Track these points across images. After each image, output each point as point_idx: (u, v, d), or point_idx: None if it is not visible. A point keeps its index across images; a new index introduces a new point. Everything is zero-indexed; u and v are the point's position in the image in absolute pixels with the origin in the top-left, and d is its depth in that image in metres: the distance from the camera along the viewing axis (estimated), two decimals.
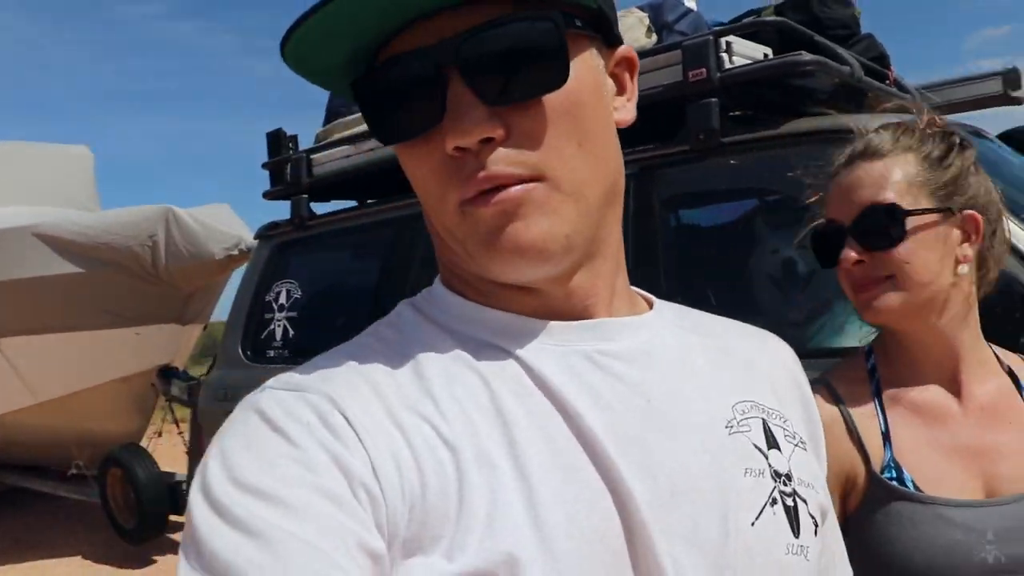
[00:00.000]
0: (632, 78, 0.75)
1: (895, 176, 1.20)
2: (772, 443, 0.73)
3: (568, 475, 0.63)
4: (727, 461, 0.69)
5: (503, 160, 0.63)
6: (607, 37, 0.71)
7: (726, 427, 0.71)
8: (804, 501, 0.72)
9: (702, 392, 0.73)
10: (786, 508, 0.70)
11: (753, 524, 0.67)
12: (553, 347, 0.69)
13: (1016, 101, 2.44)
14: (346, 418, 0.62)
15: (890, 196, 1.19)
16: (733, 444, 0.71)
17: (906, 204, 1.19)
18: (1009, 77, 2.43)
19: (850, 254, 1.19)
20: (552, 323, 0.70)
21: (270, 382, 0.67)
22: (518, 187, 0.63)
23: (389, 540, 0.59)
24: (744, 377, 0.78)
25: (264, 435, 0.61)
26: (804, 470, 0.74)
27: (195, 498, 0.60)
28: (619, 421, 0.66)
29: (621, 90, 0.74)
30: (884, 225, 1.19)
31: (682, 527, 0.64)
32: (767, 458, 0.72)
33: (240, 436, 0.63)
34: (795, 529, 0.70)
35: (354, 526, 0.57)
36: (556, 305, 0.71)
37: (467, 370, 0.68)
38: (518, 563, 0.58)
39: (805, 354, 0.97)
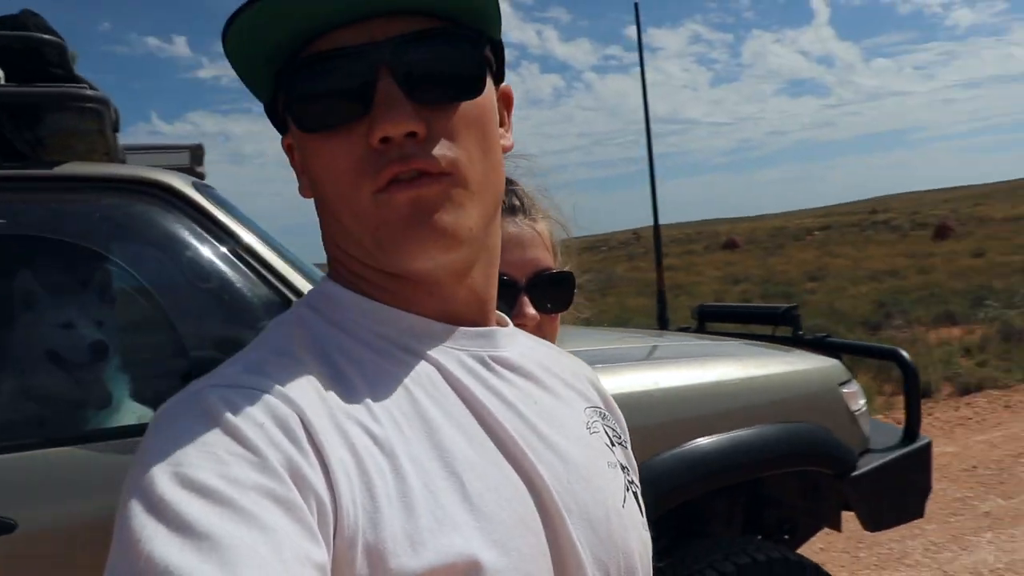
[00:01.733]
0: (510, 113, 0.85)
1: (549, 239, 1.31)
2: (612, 442, 0.86)
3: (490, 470, 0.69)
4: (595, 455, 0.81)
5: (423, 152, 0.68)
6: (498, 70, 0.79)
7: (587, 428, 0.83)
8: (638, 488, 0.87)
9: (564, 399, 0.84)
10: (633, 494, 0.84)
11: (622, 507, 0.80)
12: (455, 350, 0.76)
13: (200, 175, 2.58)
14: (301, 420, 0.63)
15: (551, 260, 1.30)
16: (594, 442, 0.82)
17: (556, 266, 1.30)
18: (195, 152, 2.58)
19: (532, 313, 1.25)
20: (452, 327, 0.77)
21: (208, 380, 0.67)
22: (432, 181, 0.69)
23: (346, 546, 0.59)
24: (580, 387, 0.89)
25: (213, 434, 0.60)
26: (630, 464, 0.89)
27: (129, 500, 0.57)
28: (521, 419, 0.75)
29: (501, 122, 0.81)
30: (563, 291, 1.30)
31: (580, 509, 0.73)
32: (614, 454, 0.85)
33: (185, 434, 0.60)
34: (641, 511, 0.84)
35: (304, 536, 0.56)
36: (453, 308, 0.77)
37: (385, 375, 0.71)
38: (473, 556, 0.62)
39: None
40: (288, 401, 0.63)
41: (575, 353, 0.98)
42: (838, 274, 21.90)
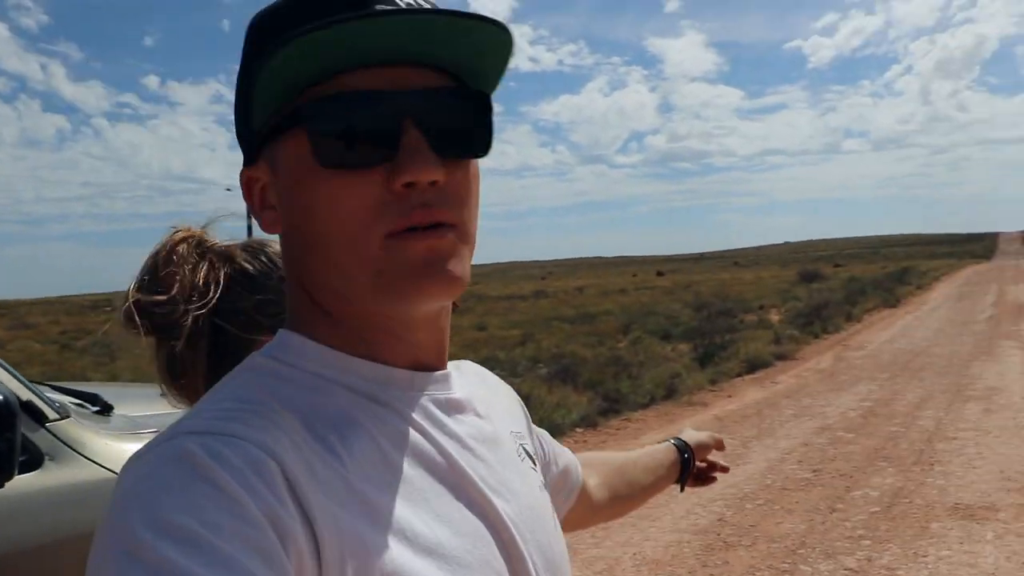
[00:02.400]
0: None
1: None
2: (534, 462, 0.94)
3: (456, 517, 0.74)
4: (530, 481, 0.88)
5: (440, 203, 0.72)
6: None
7: (518, 455, 0.90)
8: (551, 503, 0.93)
9: (501, 432, 0.88)
10: (555, 511, 0.93)
11: (556, 527, 0.89)
12: (416, 396, 0.78)
13: None
14: (281, 470, 0.63)
15: None
16: (525, 467, 0.89)
17: None
18: None
19: None
20: (413, 374, 0.79)
21: (179, 428, 0.66)
22: (445, 231, 0.72)
23: None
24: (502, 407, 0.97)
25: (191, 480, 0.60)
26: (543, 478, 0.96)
27: (105, 544, 0.58)
28: (480, 461, 0.80)
29: None
30: None
31: (535, 544, 0.80)
32: (538, 473, 0.93)
33: (162, 479, 0.60)
34: (560, 527, 0.93)
35: None
36: (417, 353, 0.79)
37: (352, 425, 0.73)
38: None
39: None
40: (267, 450, 0.64)
41: None
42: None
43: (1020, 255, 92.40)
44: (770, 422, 9.97)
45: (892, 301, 28.11)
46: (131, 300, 1.25)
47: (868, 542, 5.88)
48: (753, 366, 14.37)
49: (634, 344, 18.57)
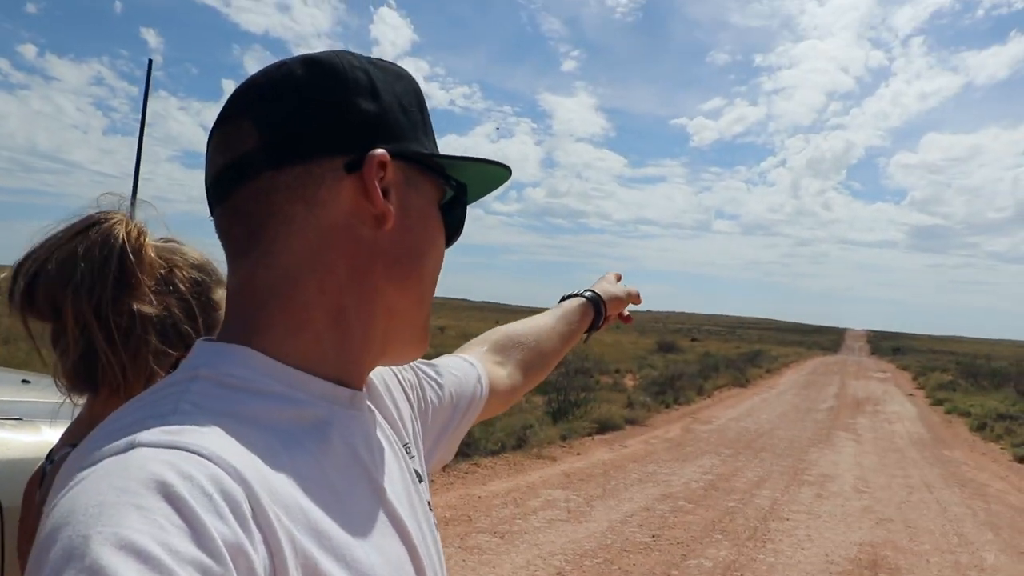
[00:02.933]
0: None
1: None
2: (420, 478, 0.94)
3: (387, 545, 0.76)
4: (425, 506, 0.90)
5: None
6: None
7: (412, 478, 0.91)
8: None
9: (397, 451, 0.91)
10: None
11: (438, 541, 0.91)
12: (354, 414, 0.82)
13: None
14: (246, 492, 0.62)
15: None
16: (417, 487, 0.91)
17: None
18: None
19: None
20: (353, 392, 0.82)
21: (136, 437, 0.63)
22: None
23: None
24: (396, 406, 0.99)
25: (154, 499, 0.58)
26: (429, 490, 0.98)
27: (57, 558, 0.54)
28: (394, 482, 0.84)
29: None
30: None
31: (429, 560, 0.83)
32: (424, 491, 0.94)
33: (123, 494, 0.57)
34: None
35: None
36: (362, 377, 0.85)
37: (299, 446, 0.73)
38: None
39: None
40: (234, 474, 0.63)
41: None
42: None
43: (863, 352, 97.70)
44: (615, 484, 10.08)
45: (743, 381, 29.10)
46: (90, 300, 1.16)
47: None
48: (604, 427, 14.56)
49: None
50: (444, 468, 9.86)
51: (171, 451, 0.62)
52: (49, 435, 1.96)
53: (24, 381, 3.04)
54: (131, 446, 0.62)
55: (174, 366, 1.22)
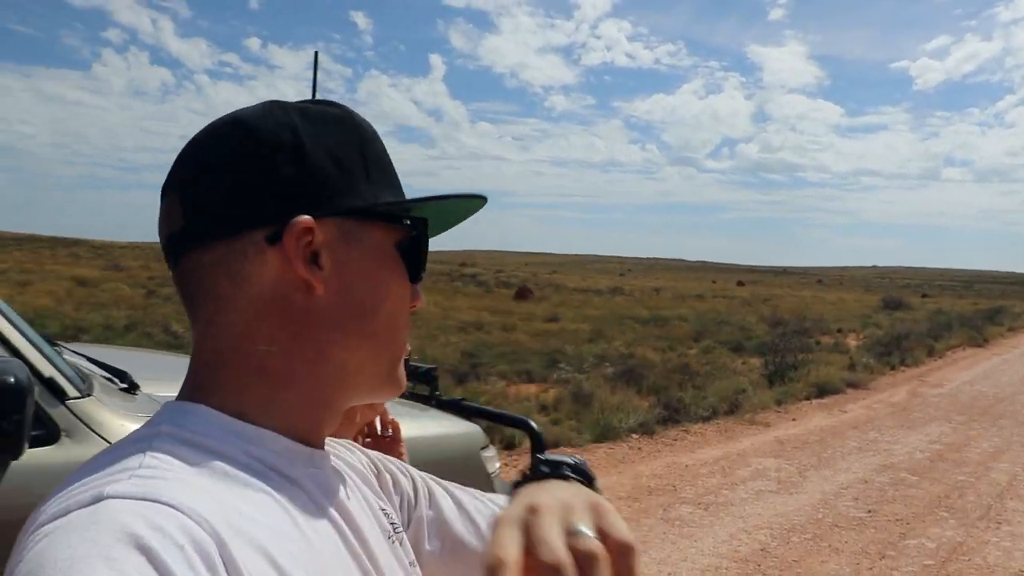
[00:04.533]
0: None
1: None
2: (398, 534, 0.92)
3: None
4: (404, 563, 0.89)
5: None
6: None
7: (387, 538, 0.89)
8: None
9: (374, 508, 0.91)
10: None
11: None
12: (316, 472, 0.81)
13: None
14: (219, 548, 0.62)
15: None
16: (397, 549, 0.90)
17: None
18: None
19: None
20: (314, 451, 0.81)
21: (104, 489, 0.63)
22: None
23: None
24: (363, 481, 0.95)
25: (125, 551, 0.57)
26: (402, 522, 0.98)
27: None
28: (365, 538, 0.82)
29: None
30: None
31: None
32: (408, 549, 0.94)
33: (93, 548, 0.57)
34: None
35: None
36: (323, 434, 0.84)
37: (267, 500, 0.72)
38: None
39: None
40: (205, 525, 0.63)
41: None
42: (428, 322, 22.03)
43: None
44: (832, 452, 9.65)
45: (979, 340, 27.13)
46: None
47: None
48: (823, 391, 14.01)
49: (704, 353, 18.34)
50: (652, 435, 9.79)
51: (141, 503, 0.62)
52: None
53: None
54: (99, 499, 0.62)
55: None
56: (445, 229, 0.95)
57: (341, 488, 0.85)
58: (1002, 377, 18.16)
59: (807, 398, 13.40)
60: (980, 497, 8.12)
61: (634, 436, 9.82)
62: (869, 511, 7.44)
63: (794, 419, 11.73)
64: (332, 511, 0.80)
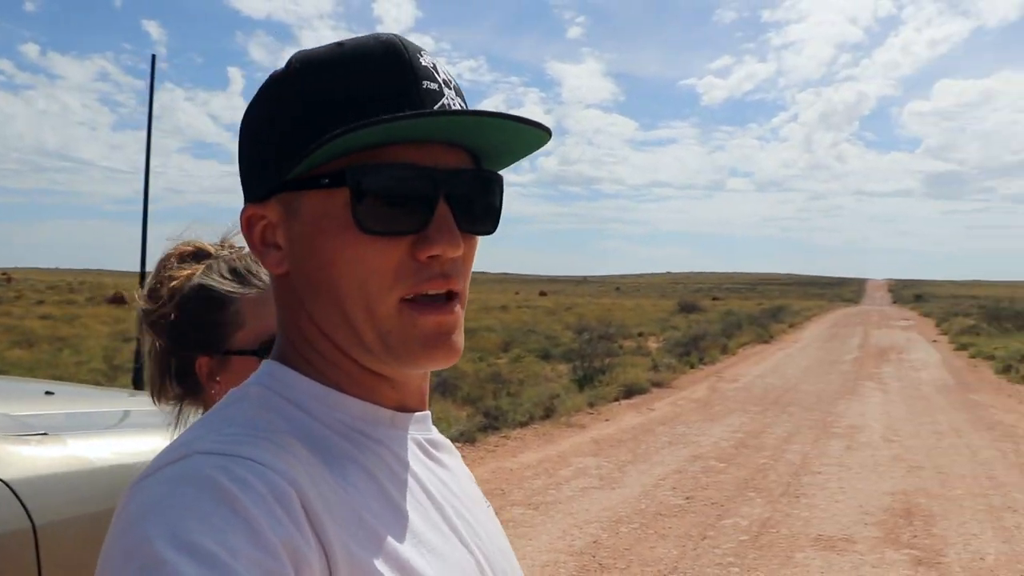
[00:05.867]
0: None
1: None
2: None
3: (449, 552, 0.77)
4: (496, 523, 0.92)
5: (456, 275, 0.77)
6: None
7: (484, 498, 0.93)
8: None
9: (467, 471, 0.94)
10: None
11: (508, 547, 0.90)
12: (402, 435, 0.82)
13: None
14: (300, 499, 0.65)
15: None
16: (490, 511, 0.92)
17: None
18: None
19: None
20: (397, 414, 0.82)
21: (192, 446, 0.67)
22: (453, 305, 0.77)
23: None
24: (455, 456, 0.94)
25: (211, 502, 0.60)
26: None
27: (120, 560, 0.58)
28: (456, 501, 0.83)
29: None
30: None
31: (499, 566, 0.84)
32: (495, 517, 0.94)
33: (180, 499, 0.61)
34: None
35: None
36: (404, 398, 0.82)
37: (351, 460, 0.75)
38: None
39: None
40: (287, 477, 0.65)
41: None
42: None
43: (884, 301, 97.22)
44: (646, 448, 10.17)
45: (766, 337, 29.14)
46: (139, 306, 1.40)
47: (737, 570, 6.06)
48: (631, 391, 14.65)
49: (514, 362, 18.67)
50: (474, 443, 9.97)
51: (224, 457, 0.65)
52: (76, 448, 1.97)
53: (47, 393, 3.04)
54: (186, 455, 0.65)
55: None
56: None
57: (430, 451, 0.85)
58: (787, 370, 19.66)
59: (616, 399, 13.95)
60: (780, 476, 8.84)
61: (456, 445, 9.90)
62: (687, 498, 7.94)
63: (607, 419, 12.24)
64: (422, 474, 0.81)
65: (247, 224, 0.81)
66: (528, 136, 0.78)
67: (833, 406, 13.87)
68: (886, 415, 13.07)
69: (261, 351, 1.32)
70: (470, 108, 0.80)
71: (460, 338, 0.78)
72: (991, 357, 21.73)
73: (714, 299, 76.04)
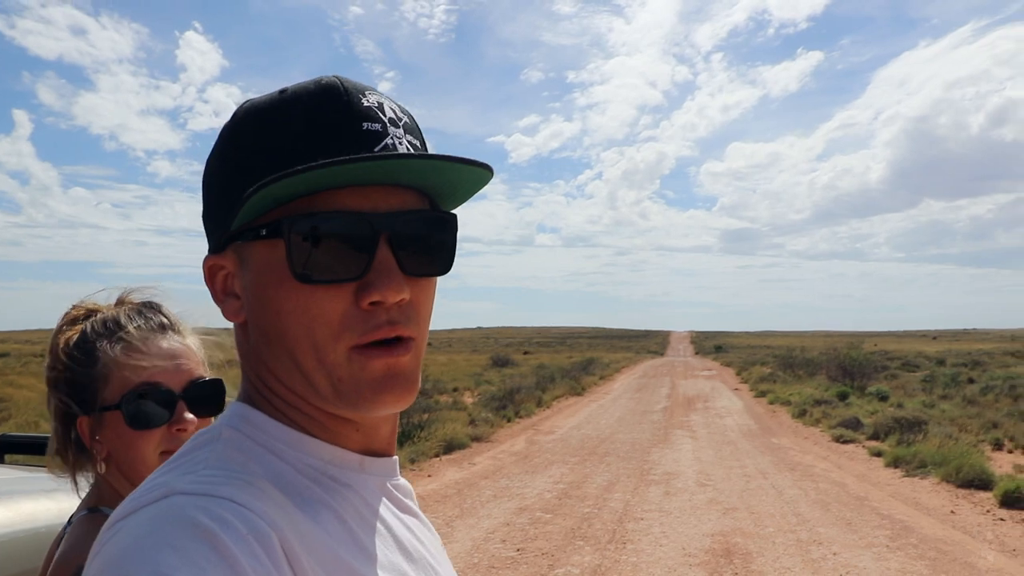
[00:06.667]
0: None
1: (198, 351, 1.45)
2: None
3: None
4: (449, 570, 0.91)
5: (403, 319, 0.76)
6: None
7: (433, 537, 0.93)
8: None
9: (423, 519, 0.92)
10: None
11: None
12: (371, 480, 0.82)
13: None
14: (280, 540, 0.65)
15: (201, 369, 1.43)
16: (448, 558, 0.93)
17: (207, 375, 1.44)
18: None
19: (191, 418, 1.36)
20: (366, 458, 0.82)
21: (168, 487, 0.67)
22: (404, 349, 0.76)
23: None
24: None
25: (192, 541, 0.60)
26: None
27: None
28: (422, 549, 0.84)
29: None
30: (215, 396, 1.42)
31: None
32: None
33: (161, 539, 0.60)
34: None
35: None
36: (371, 442, 0.83)
37: (321, 503, 0.75)
38: None
39: None
40: (266, 518, 0.65)
41: None
42: (25, 406, 19.62)
43: (688, 352, 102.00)
44: (471, 502, 10.12)
45: (578, 389, 29.81)
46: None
47: None
48: (450, 446, 14.59)
49: None
50: None
51: (204, 498, 0.65)
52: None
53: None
54: (165, 495, 0.66)
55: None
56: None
57: (397, 498, 0.86)
58: (601, 420, 20.13)
59: (436, 455, 13.88)
60: (605, 524, 8.99)
61: None
62: (518, 549, 7.93)
63: (429, 475, 12.12)
64: (390, 518, 0.82)
65: (209, 274, 0.82)
66: (470, 175, 0.78)
67: (648, 454, 14.29)
68: (698, 461, 13.60)
69: (123, 404, 1.32)
70: (422, 145, 0.81)
71: (415, 380, 0.78)
72: (787, 402, 23.16)
73: (525, 353, 77.41)
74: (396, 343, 0.75)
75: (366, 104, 0.77)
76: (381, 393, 0.75)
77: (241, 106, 0.80)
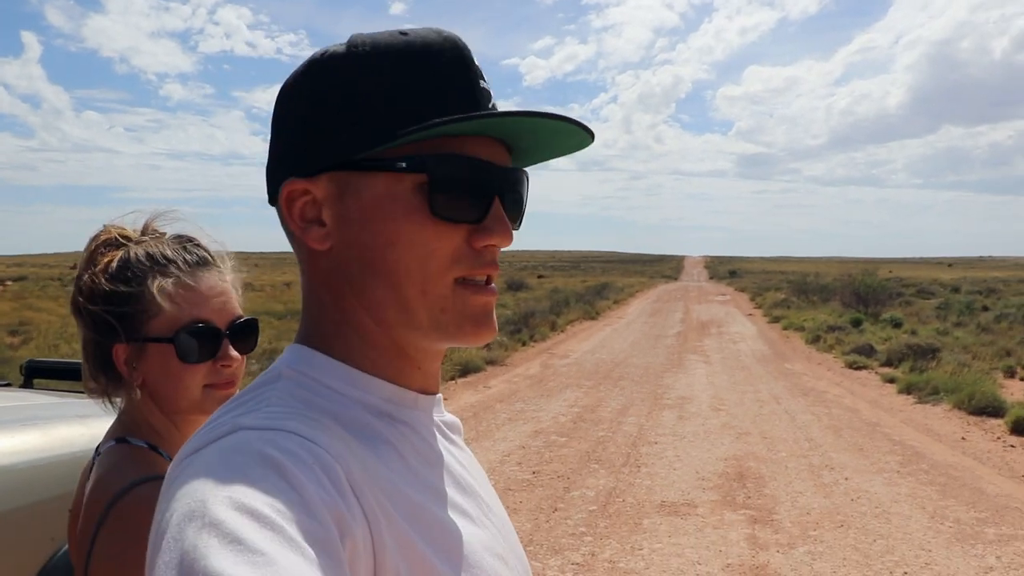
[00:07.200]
0: None
1: (237, 289, 1.49)
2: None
3: (474, 520, 0.83)
4: (494, 493, 0.96)
5: (498, 262, 0.83)
6: None
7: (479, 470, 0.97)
8: None
9: (470, 453, 0.97)
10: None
11: (511, 526, 0.95)
12: (425, 416, 0.86)
13: None
14: (344, 471, 0.68)
15: (239, 307, 1.46)
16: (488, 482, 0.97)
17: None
18: None
19: (237, 356, 1.41)
20: (421, 396, 0.86)
21: (236, 422, 0.70)
22: (496, 293, 0.84)
23: None
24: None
25: (261, 470, 0.63)
26: None
27: (179, 522, 0.60)
28: (472, 480, 0.89)
29: None
30: (253, 334, 1.47)
31: (504, 549, 0.86)
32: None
33: (233, 469, 0.63)
34: None
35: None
36: (426, 380, 0.86)
37: (380, 439, 0.79)
38: None
39: None
40: (332, 451, 0.69)
41: None
42: (47, 330, 19.87)
43: (702, 277, 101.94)
44: (487, 425, 10.28)
45: (592, 313, 29.94)
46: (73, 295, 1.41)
47: (590, 538, 6.25)
48: (466, 370, 14.75)
49: None
50: None
51: (272, 432, 0.68)
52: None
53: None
54: (233, 430, 0.69)
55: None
56: (531, 160, 0.89)
57: (447, 431, 0.91)
58: (615, 345, 20.28)
59: (452, 378, 14.04)
60: (619, 448, 9.14)
61: None
62: (534, 472, 8.09)
63: (445, 398, 11.96)
64: (439, 450, 0.86)
65: (287, 198, 0.82)
66: (572, 139, 0.84)
67: (662, 379, 14.45)
68: (712, 386, 13.74)
69: (176, 338, 1.34)
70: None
71: (495, 319, 0.84)
72: (801, 328, 23.26)
73: (539, 277, 77.44)
74: (486, 284, 0.82)
75: (477, 64, 0.84)
76: (479, 327, 0.81)
77: (359, 39, 0.81)
